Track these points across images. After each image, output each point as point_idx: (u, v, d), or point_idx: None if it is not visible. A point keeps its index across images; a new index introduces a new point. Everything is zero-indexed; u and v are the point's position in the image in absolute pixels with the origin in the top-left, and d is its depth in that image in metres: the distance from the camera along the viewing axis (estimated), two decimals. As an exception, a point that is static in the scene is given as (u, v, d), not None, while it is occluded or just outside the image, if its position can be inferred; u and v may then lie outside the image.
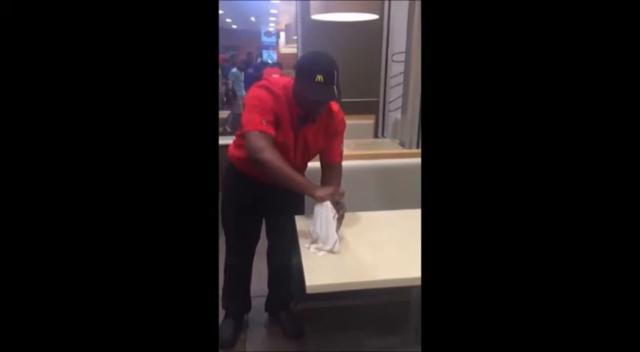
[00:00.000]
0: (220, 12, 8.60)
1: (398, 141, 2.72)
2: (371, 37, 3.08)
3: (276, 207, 1.50)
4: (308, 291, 1.01)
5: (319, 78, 1.18)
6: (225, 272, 1.68)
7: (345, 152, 1.48)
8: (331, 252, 1.16)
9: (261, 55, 9.79)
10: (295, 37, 3.44)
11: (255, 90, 1.29)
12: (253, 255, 1.65)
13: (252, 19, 9.92)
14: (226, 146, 1.54)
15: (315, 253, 1.16)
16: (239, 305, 1.74)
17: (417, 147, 2.05)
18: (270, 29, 10.17)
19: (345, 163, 1.48)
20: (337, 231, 1.20)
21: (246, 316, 1.79)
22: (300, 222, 1.35)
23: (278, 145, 1.28)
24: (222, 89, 6.57)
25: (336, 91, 1.22)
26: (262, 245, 1.66)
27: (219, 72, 6.62)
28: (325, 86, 1.19)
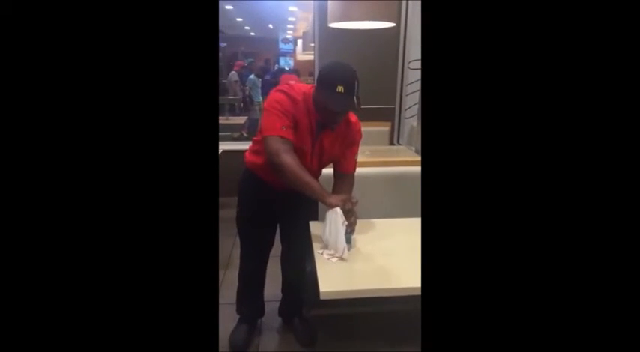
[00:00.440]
0: (238, 19, 8.73)
1: (413, 149, 2.71)
2: (388, 44, 3.09)
3: (290, 212, 1.51)
4: (322, 297, 1.01)
5: (340, 88, 1.20)
6: (239, 277, 1.70)
7: (360, 159, 1.48)
8: (341, 258, 1.16)
9: (278, 62, 9.88)
10: (312, 45, 3.47)
11: (276, 95, 1.31)
12: (267, 260, 1.66)
13: (270, 26, 10.03)
14: (243, 151, 1.56)
15: (328, 259, 1.16)
16: (252, 310, 1.75)
17: (433, 155, 2.03)
18: (288, 36, 10.27)
19: (359, 170, 1.48)
20: (350, 238, 1.21)
21: (259, 321, 1.80)
22: (315, 228, 1.36)
23: (296, 150, 1.29)
24: (239, 95, 6.66)
25: (356, 102, 1.23)
26: (276, 250, 1.67)
27: (238, 78, 6.72)
28: (346, 96, 1.21)
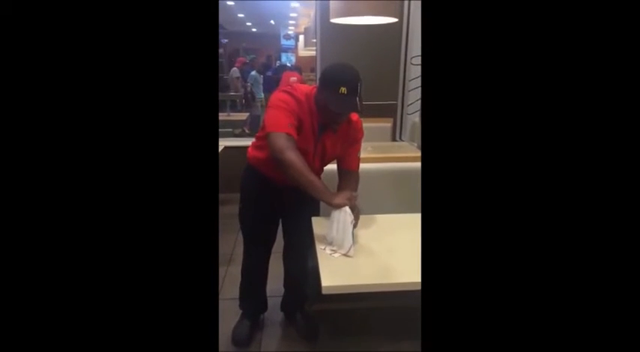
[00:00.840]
0: (240, 15, 8.71)
1: (415, 145, 2.71)
2: (390, 40, 3.08)
3: (292, 208, 1.51)
4: (324, 292, 1.01)
5: (343, 90, 1.20)
6: (242, 272, 1.71)
7: (363, 155, 1.49)
8: (346, 255, 1.17)
9: (280, 58, 9.86)
10: (314, 40, 3.46)
11: (280, 94, 1.31)
12: (269, 256, 1.67)
13: (272, 22, 10.00)
14: (245, 147, 1.56)
15: (330, 254, 1.17)
16: (255, 305, 1.76)
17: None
18: (290, 32, 10.24)
19: (362, 166, 1.49)
20: (352, 233, 1.21)
21: (262, 316, 1.81)
22: (317, 224, 1.36)
23: (298, 150, 1.29)
24: (241, 91, 6.65)
25: (358, 103, 1.23)
26: (278, 245, 1.67)
27: (239, 75, 6.72)
28: (348, 98, 1.21)
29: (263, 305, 1.78)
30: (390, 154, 2.16)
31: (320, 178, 1.44)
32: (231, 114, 5.54)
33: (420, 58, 2.73)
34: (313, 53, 3.66)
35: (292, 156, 1.21)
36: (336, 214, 1.21)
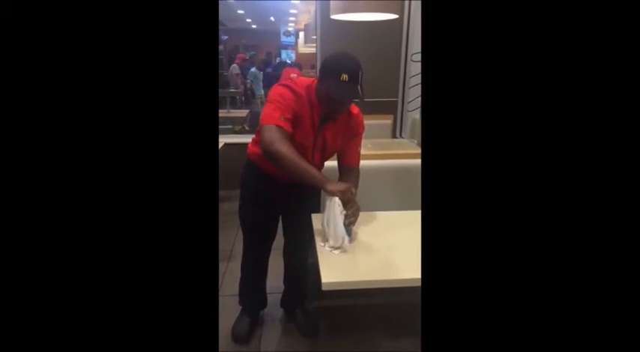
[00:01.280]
0: (240, 12, 8.68)
1: (416, 142, 2.71)
2: (390, 36, 3.07)
3: (293, 204, 1.51)
4: (324, 288, 1.02)
5: (344, 77, 1.20)
6: (241, 268, 1.71)
7: (363, 152, 1.48)
8: (341, 249, 1.16)
9: (280, 55, 9.85)
10: (314, 37, 3.45)
11: (279, 88, 1.30)
12: (269, 252, 1.67)
13: (272, 18, 9.98)
14: (245, 144, 1.56)
15: (330, 251, 1.17)
16: (255, 302, 1.76)
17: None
18: (290, 29, 10.22)
19: (362, 163, 1.48)
20: (350, 230, 1.21)
21: (261, 312, 1.81)
22: (317, 220, 1.36)
23: (297, 145, 1.29)
24: (241, 88, 6.65)
25: (360, 91, 1.23)
26: (278, 242, 1.68)
27: (239, 71, 6.71)
28: (350, 85, 1.20)
29: (263, 302, 1.78)
30: (390, 151, 2.16)
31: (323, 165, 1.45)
32: (231, 110, 5.53)
33: (420, 54, 2.72)
34: (313, 50, 3.65)
35: (281, 147, 1.20)
36: (327, 203, 1.20)
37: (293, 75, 5.20)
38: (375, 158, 1.83)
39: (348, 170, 1.43)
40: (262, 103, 5.94)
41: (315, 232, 1.28)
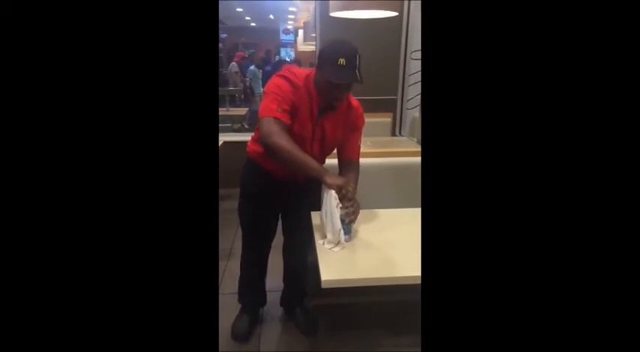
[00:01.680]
0: (239, 9, 8.67)
1: (415, 140, 2.70)
2: (390, 34, 3.06)
3: (292, 202, 1.51)
4: (323, 286, 1.02)
5: (342, 61, 1.19)
6: (241, 266, 1.71)
7: (362, 150, 1.48)
8: (339, 245, 1.15)
9: (279, 53, 9.83)
10: (313, 35, 3.45)
11: (275, 79, 1.30)
12: (269, 250, 1.67)
13: (271, 16, 9.96)
14: (244, 142, 1.56)
15: (330, 249, 1.17)
16: (254, 300, 1.76)
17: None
18: (289, 27, 10.20)
19: (362, 161, 1.48)
20: (350, 228, 1.20)
21: (261, 310, 1.81)
22: (317, 218, 1.36)
23: (295, 136, 1.28)
24: (240, 86, 6.64)
25: (358, 74, 1.22)
26: (278, 240, 1.67)
27: (238, 69, 6.69)
28: (347, 69, 1.20)
29: (262, 300, 1.78)
30: (390, 149, 2.15)
31: (325, 161, 1.43)
32: (230, 109, 5.52)
33: (420, 52, 2.72)
34: (312, 48, 3.65)
35: (279, 139, 1.20)
36: (324, 196, 1.20)
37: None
38: (374, 156, 1.83)
39: (348, 164, 1.42)
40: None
41: (315, 229, 1.28)
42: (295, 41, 9.61)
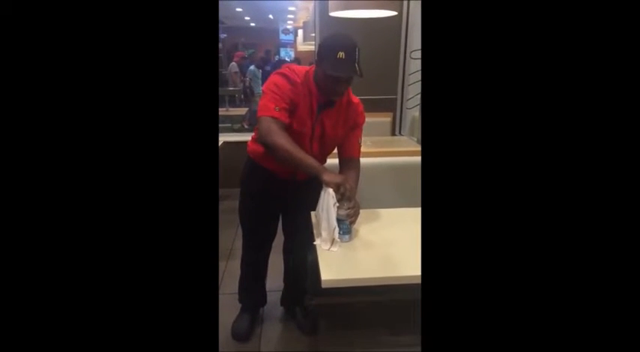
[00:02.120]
0: (238, 9, 8.67)
1: (415, 139, 2.70)
2: (389, 34, 3.06)
3: (293, 202, 1.51)
4: (323, 286, 1.02)
5: (341, 54, 1.19)
6: (241, 266, 1.71)
7: (362, 149, 1.48)
8: (333, 244, 1.15)
9: (278, 53, 9.83)
10: (313, 35, 3.44)
11: (274, 77, 1.30)
12: (269, 250, 1.67)
13: (270, 16, 9.96)
14: (244, 142, 1.56)
15: (329, 249, 1.16)
16: (255, 299, 1.76)
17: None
18: (288, 27, 10.19)
19: (362, 160, 1.48)
20: (350, 228, 1.20)
21: (261, 310, 1.81)
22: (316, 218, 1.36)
23: (294, 133, 1.28)
24: (240, 86, 6.63)
25: (357, 68, 1.22)
26: (278, 240, 1.67)
27: (238, 69, 6.69)
28: (347, 62, 1.20)
29: (262, 299, 1.78)
30: (390, 149, 2.15)
31: (326, 160, 1.43)
32: (230, 109, 5.52)
33: (419, 51, 2.72)
34: (312, 48, 3.64)
35: (277, 138, 1.20)
36: (321, 194, 1.20)
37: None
38: (374, 155, 1.83)
39: (348, 162, 1.41)
40: (261, 101, 5.92)
41: (315, 228, 1.28)
42: (295, 41, 9.61)
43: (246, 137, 1.60)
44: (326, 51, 1.22)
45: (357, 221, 1.26)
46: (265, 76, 6.42)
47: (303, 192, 1.43)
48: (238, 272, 1.72)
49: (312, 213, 1.39)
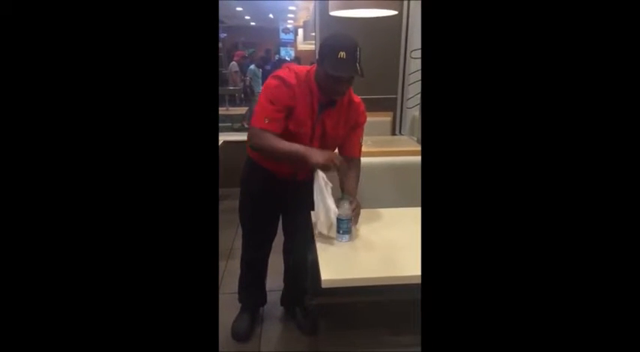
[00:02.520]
0: (239, 9, 8.66)
1: (415, 139, 2.70)
2: (389, 33, 3.06)
3: (293, 202, 1.51)
4: (323, 285, 1.01)
5: (342, 54, 1.19)
6: (241, 266, 1.71)
7: (363, 149, 1.48)
8: (332, 226, 1.16)
9: (279, 52, 9.82)
10: (313, 34, 3.44)
11: (269, 81, 1.31)
12: (270, 250, 1.67)
13: (271, 15, 9.95)
14: (244, 142, 1.55)
15: (327, 233, 1.17)
16: (254, 299, 1.76)
17: (435, 145, 2.03)
18: (288, 26, 10.19)
19: (362, 160, 1.48)
20: (351, 228, 1.20)
21: (261, 309, 1.81)
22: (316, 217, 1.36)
23: (294, 134, 1.29)
24: (240, 86, 6.63)
25: (358, 68, 1.21)
26: (278, 240, 1.67)
27: (238, 69, 6.69)
28: (348, 62, 1.19)
29: (262, 299, 1.78)
30: (390, 148, 2.15)
31: None
32: (230, 108, 5.53)
33: (420, 51, 2.71)
34: (312, 47, 3.64)
35: (258, 141, 1.27)
36: (314, 180, 1.22)
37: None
38: (374, 155, 1.83)
39: (349, 161, 1.41)
40: (261, 101, 5.93)
41: (315, 227, 1.28)
42: (295, 40, 9.60)
43: (246, 137, 1.59)
44: (327, 51, 1.22)
45: (358, 220, 1.26)
46: (265, 76, 6.42)
47: (303, 192, 1.42)
48: (238, 271, 1.72)
49: (312, 213, 1.38)
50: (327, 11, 2.04)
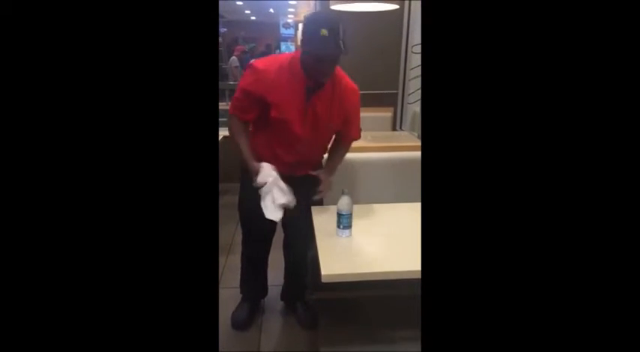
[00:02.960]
0: (239, 3, 8.62)
1: (416, 134, 2.69)
2: (390, 28, 3.03)
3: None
4: (323, 280, 1.02)
5: (324, 31, 1.17)
6: (242, 260, 1.71)
7: (363, 144, 1.48)
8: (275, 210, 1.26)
9: (279, 47, 9.77)
10: (314, 29, 3.42)
11: (245, 71, 1.36)
12: (270, 245, 1.67)
13: (271, 10, 9.90)
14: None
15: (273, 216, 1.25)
16: (255, 289, 1.77)
17: (436, 140, 2.03)
18: (289, 21, 10.13)
19: (362, 155, 1.48)
20: (350, 223, 1.21)
21: (262, 301, 1.82)
22: (317, 213, 1.36)
23: (281, 121, 1.30)
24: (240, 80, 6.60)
25: (342, 45, 1.19)
26: (279, 236, 1.67)
27: (238, 63, 6.66)
28: (330, 39, 1.17)
29: (263, 291, 1.79)
30: (391, 144, 2.15)
31: (322, 151, 1.49)
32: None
33: (421, 46, 2.70)
34: (313, 42, 3.62)
35: (229, 124, 1.42)
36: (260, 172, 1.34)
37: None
38: (375, 150, 1.82)
39: (340, 142, 1.49)
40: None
41: (315, 223, 1.28)
42: (295, 35, 9.55)
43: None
44: (308, 30, 1.21)
45: (358, 215, 1.26)
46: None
47: (302, 187, 1.42)
48: (239, 266, 1.72)
49: (313, 208, 1.39)
50: (328, 5, 2.02)
